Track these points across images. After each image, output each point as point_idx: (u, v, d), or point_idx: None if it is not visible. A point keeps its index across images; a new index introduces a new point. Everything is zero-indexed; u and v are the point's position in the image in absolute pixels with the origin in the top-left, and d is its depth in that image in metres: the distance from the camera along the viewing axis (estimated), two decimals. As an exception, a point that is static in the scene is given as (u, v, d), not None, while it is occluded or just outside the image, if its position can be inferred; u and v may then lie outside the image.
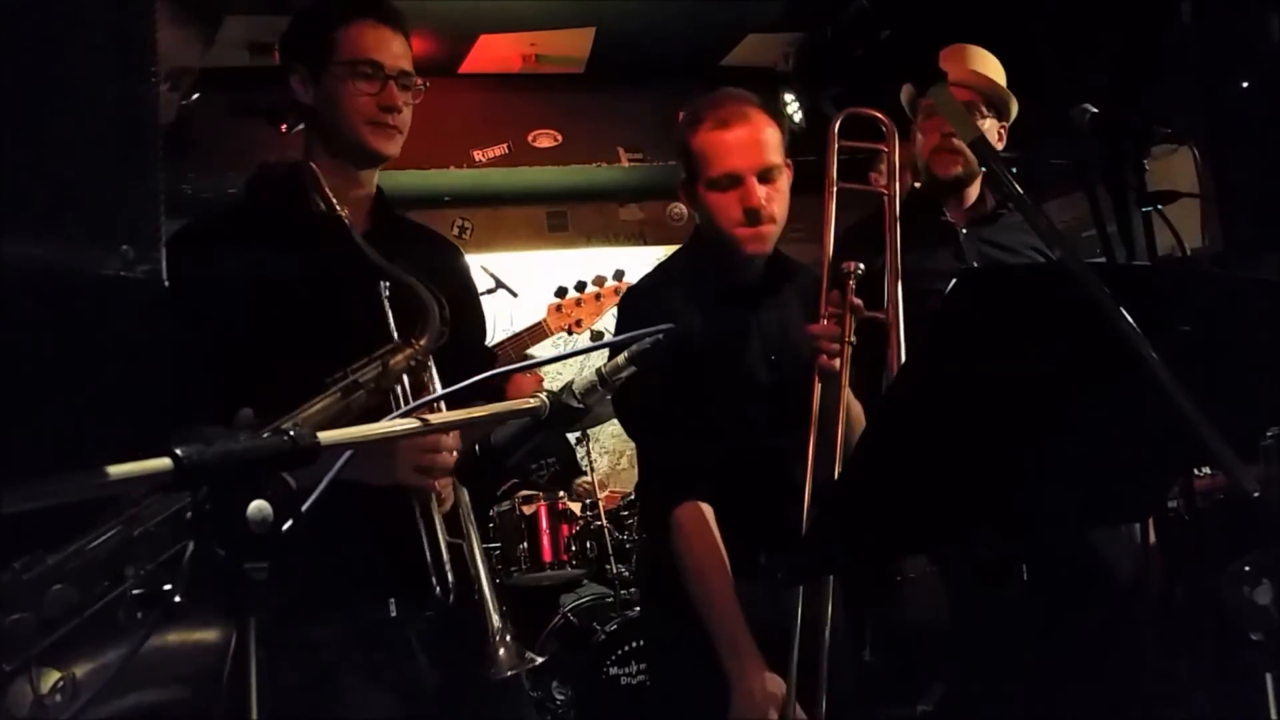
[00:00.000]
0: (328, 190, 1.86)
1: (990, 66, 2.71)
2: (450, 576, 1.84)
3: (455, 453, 1.88)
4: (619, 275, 3.84)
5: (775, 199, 2.16)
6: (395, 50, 1.98)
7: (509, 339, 3.97)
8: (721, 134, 2.16)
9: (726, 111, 2.17)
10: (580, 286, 3.87)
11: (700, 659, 2.01)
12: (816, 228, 2.22)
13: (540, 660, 1.91)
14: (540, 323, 4.00)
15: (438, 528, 1.86)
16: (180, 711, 1.60)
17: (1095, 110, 2.23)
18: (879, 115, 2.35)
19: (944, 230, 2.69)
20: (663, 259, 2.41)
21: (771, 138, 2.18)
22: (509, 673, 1.79)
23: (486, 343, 2.31)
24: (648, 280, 2.33)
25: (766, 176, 2.15)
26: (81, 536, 1.42)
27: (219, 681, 1.50)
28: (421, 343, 1.78)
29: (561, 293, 3.96)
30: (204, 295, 1.80)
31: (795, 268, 2.31)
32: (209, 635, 1.62)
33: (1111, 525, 2.37)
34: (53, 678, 1.44)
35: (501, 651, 1.80)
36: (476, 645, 1.81)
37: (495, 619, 1.81)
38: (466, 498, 1.92)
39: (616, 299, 3.46)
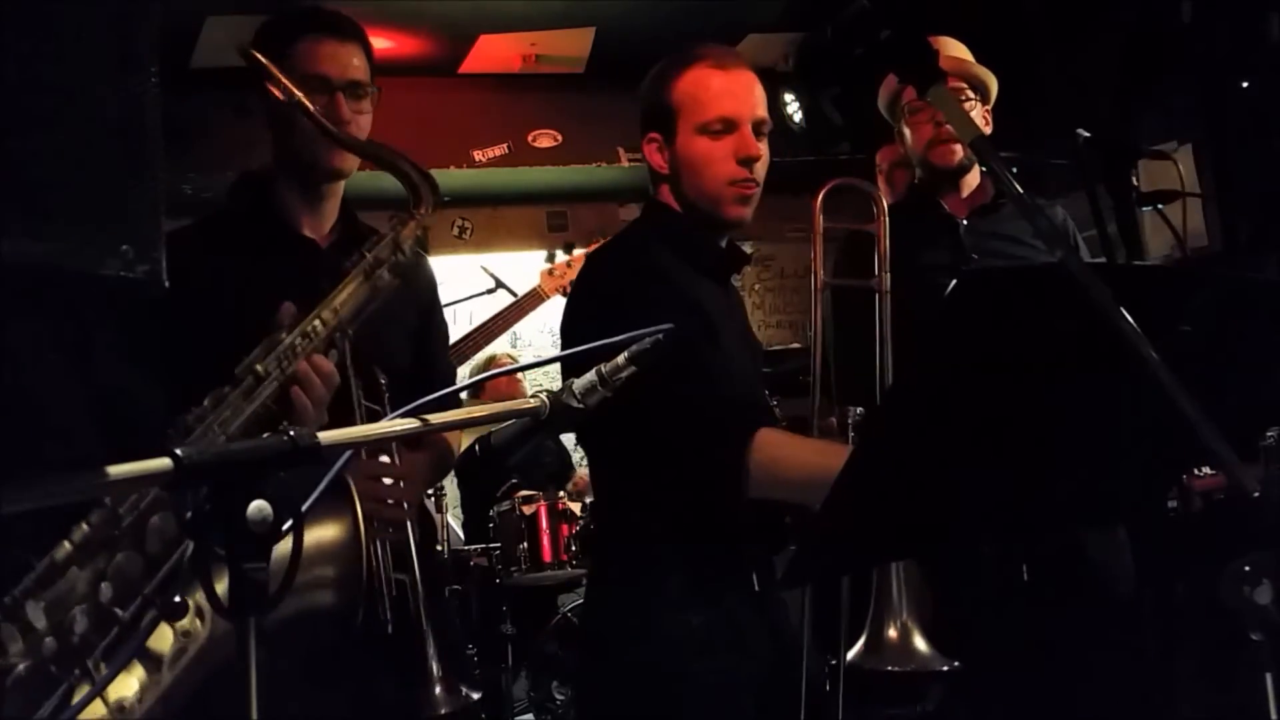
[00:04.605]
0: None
1: (960, 51, 2.70)
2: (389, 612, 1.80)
3: (407, 486, 1.87)
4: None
5: (763, 161, 1.98)
6: (344, 61, 1.94)
7: (509, 307, 4.01)
8: (719, 74, 1.97)
9: (722, 55, 1.99)
10: (569, 248, 3.99)
11: None
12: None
13: (477, 697, 1.93)
14: (535, 289, 4.07)
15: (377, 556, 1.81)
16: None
17: (1088, 135, 2.21)
18: (867, 187, 2.23)
19: (944, 223, 2.68)
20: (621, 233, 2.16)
21: (763, 93, 2.01)
22: (444, 711, 1.82)
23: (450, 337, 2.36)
24: (637, 259, 1.99)
25: (759, 131, 1.98)
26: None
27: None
28: (422, 210, 1.77)
29: (551, 258, 4.12)
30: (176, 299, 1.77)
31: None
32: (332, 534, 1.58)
33: (1111, 526, 2.36)
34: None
35: (438, 690, 1.83)
36: (412, 683, 1.83)
37: (434, 664, 1.83)
38: (414, 536, 1.90)
39: None
